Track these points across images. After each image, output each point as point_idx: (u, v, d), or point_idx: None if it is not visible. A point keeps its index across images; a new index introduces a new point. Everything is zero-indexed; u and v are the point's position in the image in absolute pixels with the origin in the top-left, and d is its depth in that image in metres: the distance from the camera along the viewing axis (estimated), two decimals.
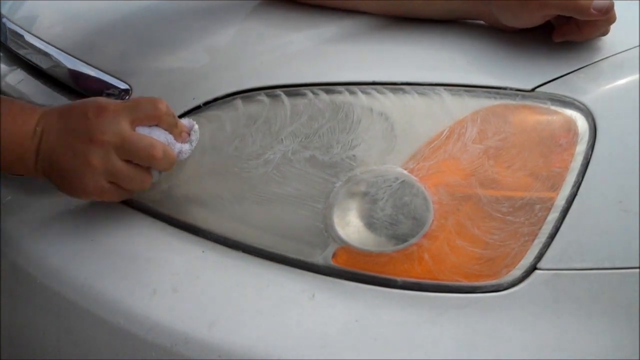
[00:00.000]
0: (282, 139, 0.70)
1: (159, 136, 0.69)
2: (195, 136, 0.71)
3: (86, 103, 0.69)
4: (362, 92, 0.70)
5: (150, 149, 0.67)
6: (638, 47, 0.73)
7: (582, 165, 0.67)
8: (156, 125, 0.69)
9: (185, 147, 0.70)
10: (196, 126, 0.71)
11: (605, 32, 0.74)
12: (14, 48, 0.98)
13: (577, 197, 0.67)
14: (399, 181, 0.67)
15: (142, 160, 0.68)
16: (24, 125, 0.69)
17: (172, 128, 0.70)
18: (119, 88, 0.82)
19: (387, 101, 0.70)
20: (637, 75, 0.71)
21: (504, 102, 0.69)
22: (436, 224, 0.66)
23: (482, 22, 0.78)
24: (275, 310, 0.66)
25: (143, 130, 0.68)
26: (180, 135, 0.71)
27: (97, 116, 0.67)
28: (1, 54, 1.00)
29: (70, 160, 0.67)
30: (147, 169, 0.69)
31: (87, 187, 0.68)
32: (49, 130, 0.68)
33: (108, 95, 0.82)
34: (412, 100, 0.70)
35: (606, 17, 0.69)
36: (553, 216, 0.66)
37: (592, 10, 0.68)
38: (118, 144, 0.67)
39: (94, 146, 0.67)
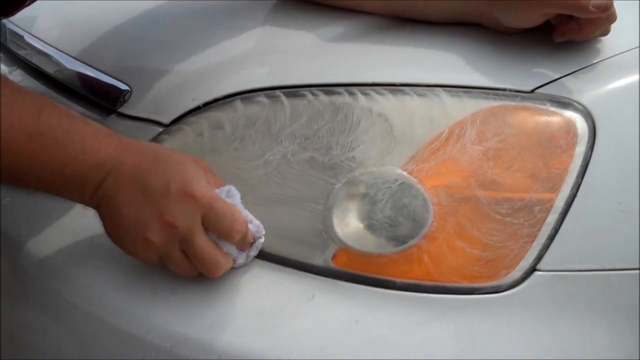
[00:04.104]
0: (281, 140, 0.70)
1: (224, 246, 0.65)
2: (255, 251, 0.67)
3: (174, 172, 0.63)
4: (362, 93, 0.71)
5: (214, 268, 0.64)
6: (637, 48, 0.73)
7: (581, 166, 0.67)
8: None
9: (241, 259, 0.67)
10: (261, 240, 0.67)
11: (606, 32, 0.74)
12: (13, 49, 0.98)
13: (576, 198, 0.67)
14: (398, 182, 0.67)
15: (198, 267, 0.65)
16: (93, 157, 0.62)
17: (239, 242, 0.66)
18: (119, 89, 0.82)
19: (386, 102, 0.70)
20: (637, 77, 0.71)
21: (504, 104, 0.69)
22: (435, 226, 0.66)
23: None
24: (275, 311, 0.66)
25: (212, 236, 0.64)
26: (244, 245, 0.67)
27: (178, 198, 0.62)
28: (1, 55, 1.00)
29: (131, 220, 0.63)
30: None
31: (136, 253, 0.65)
32: (120, 173, 0.62)
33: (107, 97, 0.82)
34: (411, 102, 0.70)
35: (605, 14, 0.69)
36: (552, 217, 0.66)
37: (591, 7, 0.68)
38: (185, 239, 0.63)
39: (161, 226, 0.62)
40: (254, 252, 0.67)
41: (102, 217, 0.65)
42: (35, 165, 0.61)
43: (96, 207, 0.65)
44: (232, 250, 0.66)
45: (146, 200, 0.62)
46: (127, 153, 0.63)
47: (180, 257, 0.64)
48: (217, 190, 0.66)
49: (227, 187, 0.67)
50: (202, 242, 0.63)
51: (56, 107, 0.63)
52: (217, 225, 0.63)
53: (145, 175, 0.63)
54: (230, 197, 0.66)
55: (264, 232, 0.67)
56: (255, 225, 0.67)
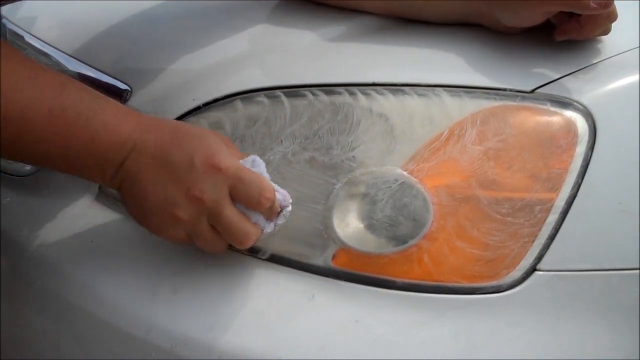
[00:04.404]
0: (281, 140, 0.70)
1: (252, 216, 0.64)
2: (282, 219, 0.65)
3: (197, 146, 0.62)
4: (362, 93, 0.71)
5: (244, 238, 0.63)
6: (637, 49, 0.73)
7: (581, 166, 0.67)
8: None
9: (269, 228, 0.65)
10: (289, 209, 0.65)
11: (607, 31, 0.74)
12: None
13: (576, 198, 0.67)
14: (398, 182, 0.67)
15: (228, 239, 0.64)
16: (115, 135, 0.61)
17: (267, 211, 0.64)
18: (119, 89, 0.82)
19: (386, 102, 0.70)
20: (637, 77, 0.71)
21: (504, 103, 0.69)
22: (436, 225, 0.66)
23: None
24: (275, 312, 0.66)
25: (239, 207, 0.63)
26: (271, 214, 0.65)
27: (204, 171, 0.61)
28: None
29: (157, 198, 0.61)
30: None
31: (165, 232, 0.63)
32: (142, 150, 0.61)
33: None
34: (411, 102, 0.70)
35: (607, 11, 0.69)
36: (553, 217, 0.66)
37: (592, 4, 0.68)
38: (214, 212, 0.62)
39: (188, 201, 0.61)
40: (281, 220, 0.66)
41: (125, 197, 0.64)
42: (56, 143, 0.60)
43: (118, 188, 0.64)
44: (260, 219, 0.64)
45: (171, 177, 0.61)
46: (148, 130, 0.62)
47: (209, 231, 0.63)
48: (241, 161, 0.64)
49: (251, 157, 0.66)
50: (231, 213, 0.62)
51: (77, 84, 0.62)
52: (245, 195, 0.62)
53: (168, 152, 0.61)
54: (256, 166, 0.65)
55: (290, 201, 0.65)
56: (281, 193, 0.65)
